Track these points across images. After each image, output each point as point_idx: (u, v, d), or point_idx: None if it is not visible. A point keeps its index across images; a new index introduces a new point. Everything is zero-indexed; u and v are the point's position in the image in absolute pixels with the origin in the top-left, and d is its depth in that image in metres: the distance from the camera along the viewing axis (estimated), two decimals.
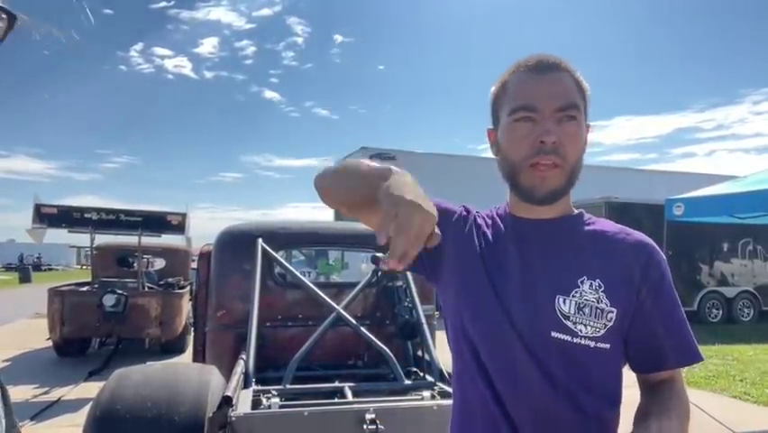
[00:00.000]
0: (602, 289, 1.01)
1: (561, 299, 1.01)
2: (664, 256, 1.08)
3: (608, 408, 1.03)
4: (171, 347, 8.39)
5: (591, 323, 1.00)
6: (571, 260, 1.04)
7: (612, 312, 1.00)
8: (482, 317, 1.06)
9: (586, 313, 1.00)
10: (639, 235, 1.09)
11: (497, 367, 1.03)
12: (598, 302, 1.00)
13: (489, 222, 1.15)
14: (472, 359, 1.06)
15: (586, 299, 1.00)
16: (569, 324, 1.00)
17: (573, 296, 1.01)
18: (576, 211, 1.13)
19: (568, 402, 1.00)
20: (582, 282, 1.01)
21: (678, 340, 1.04)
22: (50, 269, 45.39)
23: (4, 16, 0.47)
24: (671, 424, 0.95)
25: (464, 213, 1.17)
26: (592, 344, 1.00)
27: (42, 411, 5.45)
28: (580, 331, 1.00)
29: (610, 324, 1.00)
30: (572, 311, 1.00)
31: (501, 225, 1.13)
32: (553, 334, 1.00)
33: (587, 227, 1.10)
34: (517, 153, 1.03)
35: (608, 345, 1.01)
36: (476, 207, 1.21)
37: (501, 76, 1.10)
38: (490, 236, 1.11)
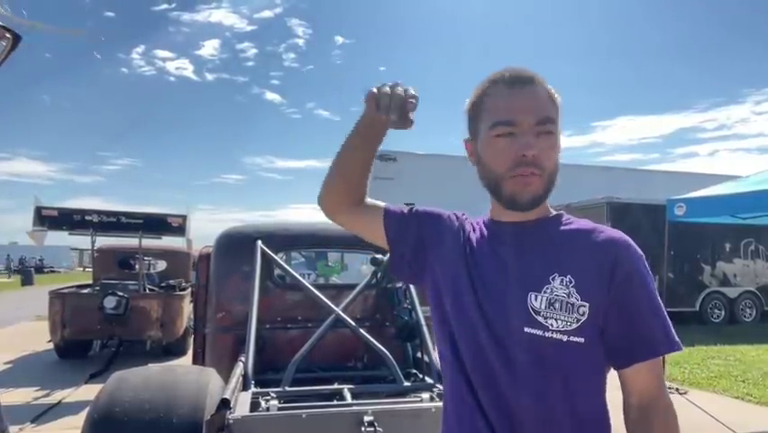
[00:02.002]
0: (573, 284, 1.05)
1: (532, 296, 1.05)
2: (641, 252, 1.10)
3: (581, 402, 1.05)
4: (172, 349, 8.39)
5: (562, 317, 1.03)
6: (544, 258, 1.09)
7: (584, 306, 1.04)
8: (460, 315, 1.12)
9: (556, 308, 1.04)
10: (612, 232, 1.12)
11: (472, 363, 1.09)
12: (568, 297, 1.04)
13: (477, 227, 1.22)
14: (451, 355, 1.14)
15: (556, 295, 1.04)
16: (540, 319, 1.04)
17: (544, 292, 1.05)
18: (554, 213, 1.18)
19: (539, 396, 1.03)
20: (553, 279, 1.06)
21: (651, 331, 1.06)
22: (53, 271, 45.44)
23: (8, 36, 0.46)
24: None
25: (454, 216, 1.27)
26: (565, 338, 1.03)
27: (43, 414, 5.45)
28: (551, 325, 1.04)
29: (583, 318, 1.04)
30: (543, 307, 1.04)
31: (485, 231, 1.20)
32: (526, 329, 1.04)
33: (563, 227, 1.14)
34: (500, 166, 1.09)
35: (581, 339, 1.04)
36: (470, 214, 1.30)
37: (476, 89, 1.16)
38: (474, 241, 1.19)
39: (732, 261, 12.40)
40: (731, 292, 12.33)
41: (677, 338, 1.07)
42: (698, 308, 11.91)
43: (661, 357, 1.08)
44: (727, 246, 12.34)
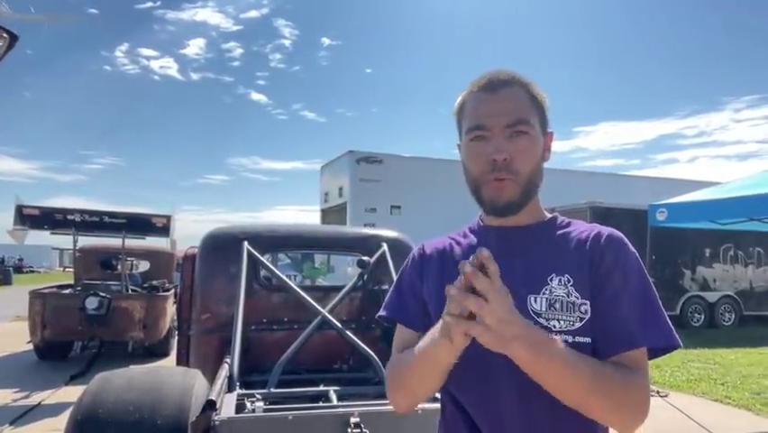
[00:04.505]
0: (571, 283, 1.03)
1: (531, 298, 1.03)
2: (631, 246, 1.09)
3: None
4: (155, 351, 8.33)
5: (564, 317, 1.01)
6: (541, 260, 1.08)
7: (585, 304, 1.02)
8: None
9: (557, 308, 1.02)
10: (603, 228, 1.12)
11: (474, 373, 1.04)
12: (568, 296, 1.02)
13: (460, 239, 1.21)
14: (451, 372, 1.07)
15: (556, 295, 1.03)
16: (542, 321, 1.01)
17: (543, 293, 1.03)
18: (549, 216, 1.17)
19: (544, 402, 0.99)
20: (551, 279, 1.04)
21: (634, 321, 1.01)
22: (32, 271, 44.78)
23: (5, 36, 0.47)
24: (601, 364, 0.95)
25: (418, 255, 1.24)
26: (570, 338, 1.00)
27: (22, 416, 5.37)
28: (554, 327, 1.01)
29: (586, 316, 1.02)
30: (544, 308, 1.02)
31: (474, 238, 1.18)
32: None
33: (558, 230, 1.14)
34: (476, 170, 1.10)
35: (587, 339, 1.01)
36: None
37: (461, 94, 1.16)
38: (459, 253, 1.17)
39: (712, 266, 12.61)
40: (711, 297, 12.54)
41: (669, 333, 1.02)
42: (678, 312, 12.08)
43: (641, 349, 1.01)
44: (707, 251, 12.54)
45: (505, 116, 1.07)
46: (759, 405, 6.04)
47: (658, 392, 6.14)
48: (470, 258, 0.87)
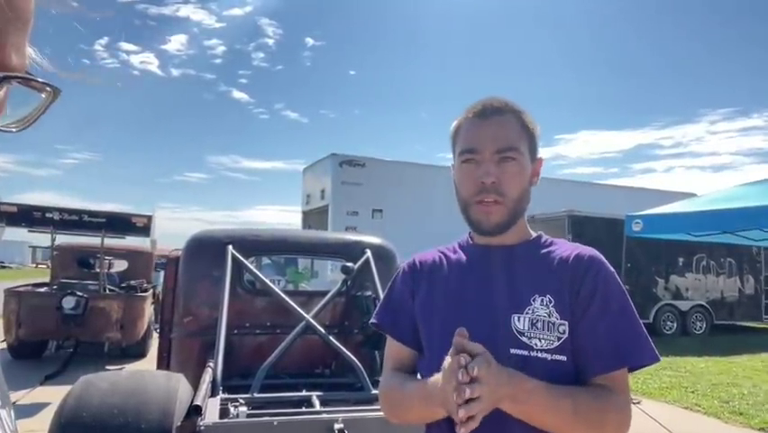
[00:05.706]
0: (552, 303, 1.09)
1: (515, 317, 1.09)
2: (610, 268, 1.15)
3: None
4: (131, 351, 8.24)
5: (545, 336, 1.08)
6: (525, 280, 1.13)
7: (564, 325, 1.08)
8: (440, 341, 1.12)
9: (539, 328, 1.08)
10: (584, 250, 1.17)
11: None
12: (549, 316, 1.08)
13: (450, 254, 1.26)
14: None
15: (538, 315, 1.09)
16: (524, 339, 1.08)
17: (527, 313, 1.09)
18: (534, 235, 1.23)
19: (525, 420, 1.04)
20: (534, 300, 1.10)
21: (612, 344, 1.08)
22: (3, 267, 43.86)
23: (48, 90, 0.51)
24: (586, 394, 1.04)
25: (408, 268, 1.29)
26: (549, 356, 1.07)
27: None
28: (536, 345, 1.07)
29: (564, 336, 1.08)
30: (526, 327, 1.08)
31: (462, 255, 1.24)
32: (512, 350, 1.07)
33: (542, 250, 1.19)
34: (465, 191, 1.17)
35: (564, 358, 1.08)
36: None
37: (457, 119, 1.23)
38: (447, 269, 1.23)
39: (685, 275, 12.87)
40: (683, 305, 12.79)
41: (649, 351, 1.10)
42: (651, 320, 12.30)
43: (621, 370, 1.10)
44: (681, 261, 12.80)
45: (495, 142, 1.14)
46: (727, 413, 6.20)
47: (631, 399, 6.26)
48: (461, 359, 0.95)
